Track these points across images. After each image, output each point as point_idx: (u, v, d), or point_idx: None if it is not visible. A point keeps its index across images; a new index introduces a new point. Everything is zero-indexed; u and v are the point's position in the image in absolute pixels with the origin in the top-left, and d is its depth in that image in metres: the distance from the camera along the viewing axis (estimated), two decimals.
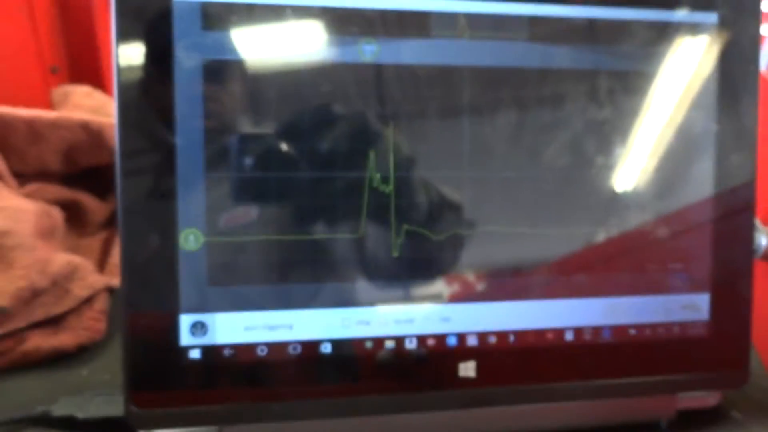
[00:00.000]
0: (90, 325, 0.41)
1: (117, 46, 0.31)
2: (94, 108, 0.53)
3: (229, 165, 0.32)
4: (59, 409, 0.35)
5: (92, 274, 0.43)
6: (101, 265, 0.47)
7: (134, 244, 0.31)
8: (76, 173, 0.49)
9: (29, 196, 0.46)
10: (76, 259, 0.42)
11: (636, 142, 0.36)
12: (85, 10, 0.67)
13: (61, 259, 0.41)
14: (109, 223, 0.51)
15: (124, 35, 0.31)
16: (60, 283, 0.41)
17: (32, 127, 0.45)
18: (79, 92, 0.56)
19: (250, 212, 0.33)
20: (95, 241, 0.49)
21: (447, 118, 0.34)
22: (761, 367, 0.44)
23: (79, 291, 0.41)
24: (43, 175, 0.47)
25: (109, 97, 0.57)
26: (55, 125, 0.46)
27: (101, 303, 0.42)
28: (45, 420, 0.34)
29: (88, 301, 0.42)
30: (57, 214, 0.47)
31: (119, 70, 0.31)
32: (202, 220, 0.32)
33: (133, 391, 0.32)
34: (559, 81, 0.35)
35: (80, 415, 0.34)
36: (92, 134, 0.47)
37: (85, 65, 0.67)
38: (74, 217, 0.49)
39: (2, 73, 0.62)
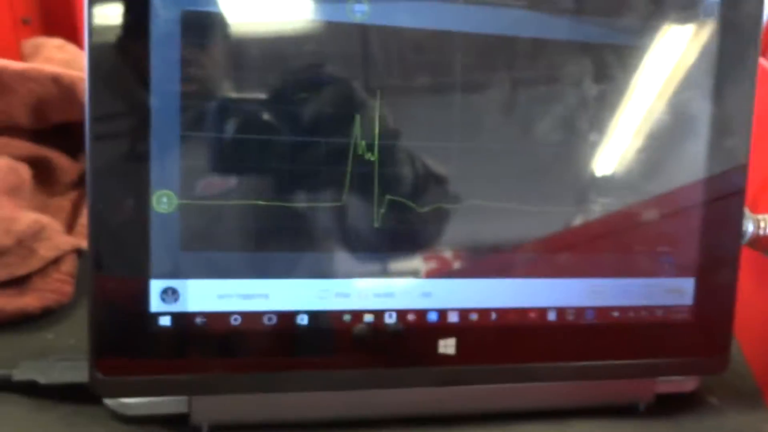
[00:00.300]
0: (57, 288, 0.39)
1: None
2: (67, 61, 0.51)
3: (206, 125, 0.30)
4: (20, 374, 0.33)
5: (60, 234, 0.41)
6: (71, 225, 0.46)
7: (103, 204, 0.30)
8: (46, 129, 0.47)
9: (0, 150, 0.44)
10: (43, 218, 0.41)
11: (628, 120, 0.35)
12: None
13: (27, 217, 0.39)
14: (80, 182, 0.49)
15: None
16: (25, 242, 0.39)
17: (25, 79, 0.42)
18: (50, 45, 0.53)
19: (229, 180, 0.31)
20: (65, 201, 0.47)
21: (437, 87, 0.33)
22: (740, 353, 0.44)
23: (46, 252, 0.39)
24: (10, 130, 0.45)
25: (83, 50, 0.55)
26: (23, 76, 0.43)
27: (69, 265, 0.40)
28: (5, 384, 0.33)
29: (56, 262, 0.40)
30: (24, 171, 0.44)
31: (91, 20, 0.29)
32: (177, 181, 0.30)
33: (98, 357, 0.30)
34: (555, 53, 0.33)
35: (42, 380, 0.33)
36: (64, 88, 0.44)
37: (59, 17, 0.64)
38: (43, 175, 0.47)
39: None
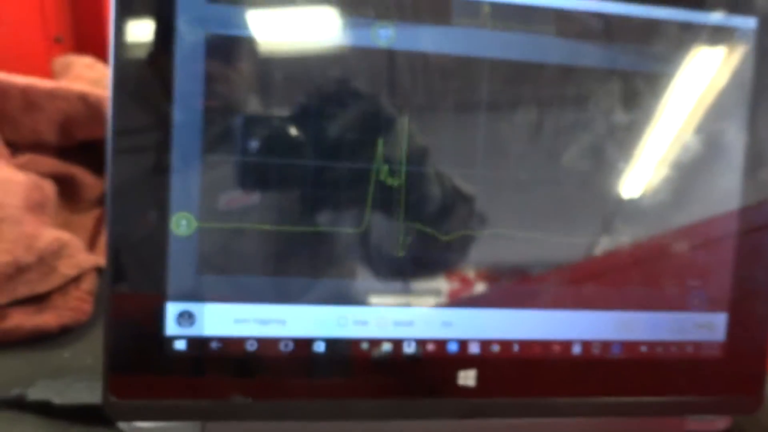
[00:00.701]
0: (76, 306, 0.39)
1: (116, 14, 0.29)
2: (96, 80, 0.52)
3: (228, 148, 0.30)
4: (35, 393, 0.33)
5: (81, 252, 0.41)
6: (92, 242, 0.46)
7: (122, 224, 0.30)
8: (72, 146, 0.47)
9: (22, 167, 0.44)
10: (65, 235, 0.41)
11: (660, 149, 0.34)
12: None
13: (49, 234, 0.40)
14: (104, 199, 0.49)
15: (123, 4, 0.29)
16: (46, 259, 0.39)
17: (27, 96, 0.43)
18: (80, 63, 0.54)
19: (251, 197, 0.31)
20: (88, 218, 0.47)
21: (463, 113, 0.32)
22: None
23: (67, 269, 0.39)
24: (37, 146, 0.46)
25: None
26: (51, 95, 0.44)
27: (89, 283, 0.40)
28: (20, 403, 0.33)
29: (76, 280, 0.40)
30: (49, 188, 0.45)
31: (117, 40, 0.29)
32: (196, 204, 0.30)
33: (112, 379, 0.30)
34: (584, 80, 0.33)
35: (57, 400, 0.32)
36: (90, 106, 0.45)
37: (90, 36, 0.65)
38: (68, 191, 0.48)
39: (5, 42, 0.60)
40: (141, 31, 0.29)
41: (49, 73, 0.60)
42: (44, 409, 0.32)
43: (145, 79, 0.29)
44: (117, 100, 0.29)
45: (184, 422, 0.31)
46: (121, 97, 0.29)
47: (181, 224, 0.30)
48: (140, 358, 0.30)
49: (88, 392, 0.33)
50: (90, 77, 0.53)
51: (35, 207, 0.42)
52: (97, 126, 0.46)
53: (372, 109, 0.31)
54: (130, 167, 0.30)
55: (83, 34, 0.66)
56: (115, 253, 0.30)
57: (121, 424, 0.32)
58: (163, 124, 0.29)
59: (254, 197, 0.31)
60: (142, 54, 0.29)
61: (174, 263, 0.30)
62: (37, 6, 0.63)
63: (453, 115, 0.32)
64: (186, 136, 0.30)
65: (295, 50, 0.31)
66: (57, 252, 0.39)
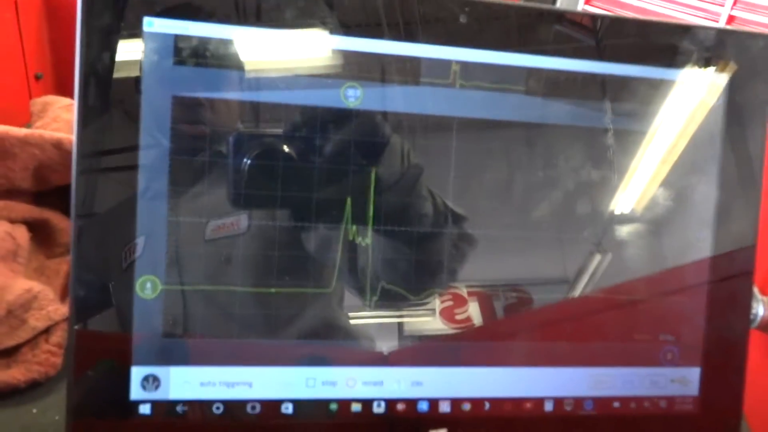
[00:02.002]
0: (44, 360, 0.38)
1: (81, 75, 0.29)
2: (72, 122, 0.51)
3: (194, 212, 0.30)
4: None
5: (52, 303, 0.40)
6: (66, 290, 0.45)
7: (86, 288, 0.29)
8: (47, 191, 0.47)
9: None
10: (36, 286, 0.40)
11: (630, 205, 0.34)
12: (73, 18, 0.65)
13: (19, 286, 0.39)
14: None
15: (89, 64, 0.29)
16: (16, 312, 0.38)
17: (1, 143, 0.43)
18: (58, 105, 0.54)
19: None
20: (63, 263, 0.47)
21: (432, 171, 0.32)
22: None
23: (36, 322, 0.39)
24: (11, 193, 0.45)
25: None
26: (25, 142, 0.43)
27: (59, 335, 0.40)
28: None
29: (46, 332, 0.39)
30: (22, 234, 0.44)
31: (81, 97, 0.29)
32: (162, 267, 0.30)
33: None
34: (554, 136, 0.33)
35: None
36: (65, 152, 0.44)
37: (71, 73, 0.64)
38: (42, 236, 0.47)
39: None
40: (106, 92, 0.29)
41: (26, 110, 0.60)
42: None
43: (110, 142, 0.29)
44: (81, 165, 0.29)
45: None
46: (86, 160, 0.29)
47: (146, 287, 0.30)
48: (104, 422, 0.30)
49: None
50: (67, 119, 0.52)
51: (6, 256, 0.42)
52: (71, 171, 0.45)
53: (340, 169, 0.31)
54: (95, 232, 0.29)
55: (63, 71, 0.66)
56: (78, 317, 0.29)
57: None
58: (128, 192, 0.29)
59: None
60: (106, 116, 0.29)
61: (139, 326, 0.30)
62: (17, 43, 0.63)
63: (422, 173, 0.32)
64: (151, 200, 0.29)
65: (260, 111, 0.30)
66: (27, 304, 0.39)
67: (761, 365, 0.42)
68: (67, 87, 0.64)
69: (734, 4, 2.37)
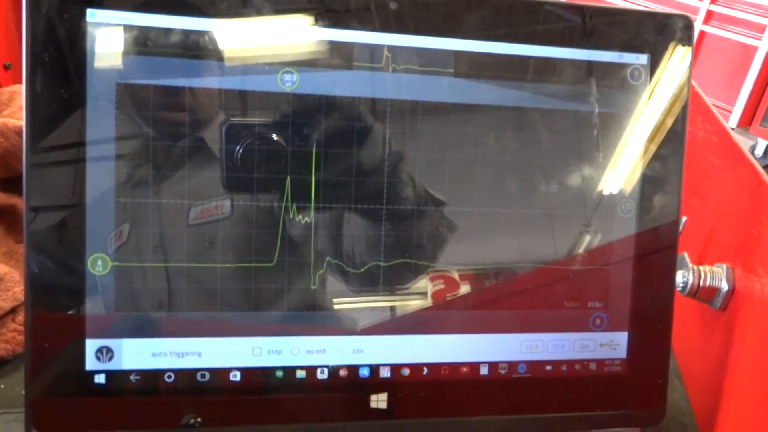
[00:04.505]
0: (11, 338, 0.40)
1: (28, 66, 0.30)
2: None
3: (140, 191, 0.32)
4: None
5: (18, 284, 0.42)
6: None
7: (40, 265, 0.31)
8: (12, 177, 0.49)
9: None
10: (2, 268, 0.42)
11: (558, 181, 0.36)
12: None
13: None
14: None
15: (35, 56, 0.30)
16: None
17: None
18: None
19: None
20: None
21: (367, 151, 0.34)
22: (686, 400, 0.44)
23: (2, 302, 0.41)
24: None
25: None
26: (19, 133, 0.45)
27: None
28: None
29: (12, 312, 0.41)
30: None
31: (29, 87, 0.31)
32: (111, 245, 0.32)
33: (35, 414, 0.31)
34: (483, 117, 0.35)
35: None
36: None
37: None
38: (10, 221, 0.49)
39: None
40: (55, 79, 0.31)
41: None
42: None
43: (58, 127, 0.31)
44: (31, 147, 0.31)
45: None
46: (35, 143, 0.31)
47: (97, 264, 0.31)
48: (62, 392, 0.32)
49: (14, 425, 0.34)
50: None
51: None
52: None
53: (279, 152, 0.33)
54: (47, 212, 0.31)
55: None
56: (34, 293, 0.31)
57: None
58: (76, 170, 0.31)
59: (171, 234, 0.32)
60: (54, 101, 0.31)
61: (91, 301, 0.32)
62: None
63: (358, 153, 0.34)
64: (98, 180, 0.31)
65: (203, 96, 0.32)
66: (5, 283, 0.41)
67: (694, 329, 0.44)
68: None
69: (713, 0, 2.38)
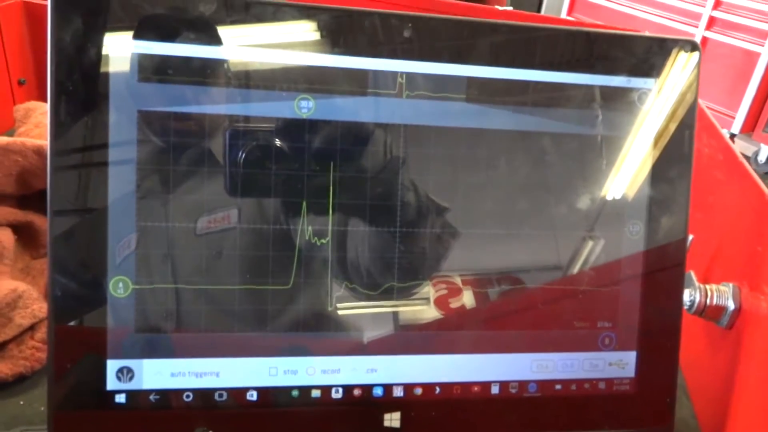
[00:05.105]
0: (30, 355, 0.41)
1: (53, 94, 0.31)
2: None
3: (162, 216, 0.33)
4: None
5: (37, 301, 0.43)
6: None
7: (63, 288, 0.32)
8: (30, 195, 0.49)
9: None
10: (21, 286, 0.43)
11: (568, 203, 0.37)
12: None
13: (5, 286, 0.42)
14: None
15: (60, 84, 0.31)
16: (2, 311, 0.41)
17: (6, 152, 0.45)
18: (40, 110, 0.56)
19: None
20: (46, 264, 0.49)
21: (382, 174, 0.35)
22: (692, 416, 0.45)
23: (22, 319, 0.41)
24: None
25: None
26: (7, 150, 0.46)
27: (43, 332, 0.42)
28: None
29: (31, 329, 0.42)
30: (7, 237, 0.47)
31: (54, 115, 0.31)
32: (132, 268, 0.32)
33: (57, 431, 0.32)
34: (494, 141, 0.35)
35: None
36: (45, 159, 0.47)
37: None
38: (27, 237, 0.50)
39: None
40: (77, 107, 0.32)
41: (10, 116, 0.62)
42: None
43: (81, 155, 0.32)
44: (55, 172, 0.31)
45: None
46: (59, 170, 0.32)
47: (119, 287, 0.32)
48: (83, 411, 0.33)
49: None
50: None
51: None
52: None
53: (297, 176, 0.33)
54: (69, 237, 0.32)
55: (45, 77, 0.68)
56: (57, 316, 0.32)
57: None
58: (99, 197, 0.32)
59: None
60: (78, 130, 0.32)
61: (112, 323, 0.32)
62: (7, 46, 0.65)
63: (375, 177, 0.34)
64: (121, 206, 0.32)
65: (222, 123, 0.33)
66: (12, 303, 0.42)
67: (701, 347, 0.45)
68: None
69: (715, 6, 2.39)
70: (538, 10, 3.33)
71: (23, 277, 0.47)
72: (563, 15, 3.12)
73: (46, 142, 0.47)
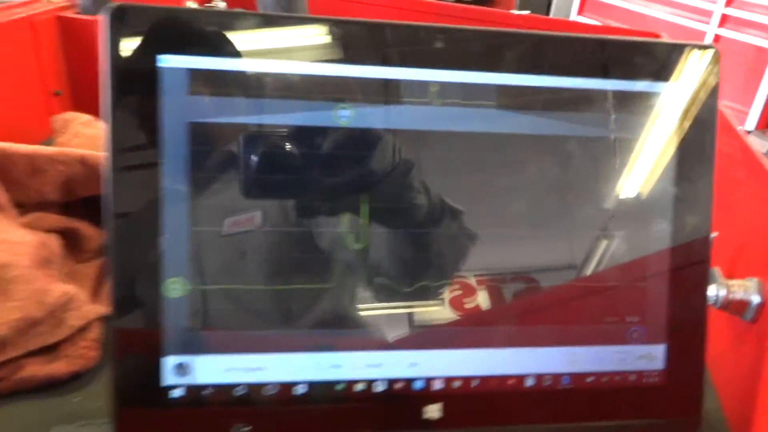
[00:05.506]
0: (83, 354, 0.43)
1: (110, 110, 0.33)
2: (93, 137, 0.56)
3: (214, 220, 0.35)
4: None
5: (86, 303, 0.45)
6: (96, 291, 0.50)
7: (122, 291, 0.34)
8: (74, 202, 0.52)
9: (29, 225, 0.49)
10: (71, 289, 0.45)
11: (596, 204, 0.38)
12: (88, 35, 0.70)
13: (57, 290, 0.44)
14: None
15: (116, 98, 0.33)
16: (56, 313, 0.43)
17: (32, 162, 0.47)
18: (78, 121, 0.58)
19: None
20: (91, 268, 0.52)
21: (417, 178, 0.36)
22: (718, 408, 0.46)
23: (74, 321, 0.44)
24: (42, 205, 0.50)
25: None
26: (53, 159, 0.48)
27: (95, 332, 0.45)
28: None
29: (82, 330, 0.44)
30: (55, 243, 0.49)
31: (113, 130, 0.33)
32: (187, 269, 0.34)
33: (118, 426, 0.34)
34: (525, 145, 0.37)
35: None
36: (89, 167, 0.49)
37: (88, 90, 0.69)
38: (72, 243, 0.52)
39: (4, 95, 0.64)
40: (132, 119, 0.34)
41: (47, 124, 0.64)
42: None
43: (137, 163, 0.34)
44: (115, 183, 0.34)
45: None
46: (117, 180, 0.34)
47: (174, 288, 0.34)
48: (143, 405, 0.35)
49: None
50: (88, 134, 0.57)
51: (43, 263, 0.46)
52: (96, 184, 0.50)
53: (336, 182, 0.35)
54: (127, 240, 0.34)
55: (80, 88, 0.70)
56: (118, 317, 0.34)
57: None
58: (153, 202, 0.34)
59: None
60: (132, 141, 0.34)
61: (169, 322, 0.34)
62: (35, 61, 0.68)
63: (409, 183, 0.36)
64: (172, 210, 0.34)
65: (265, 132, 0.35)
66: (65, 305, 0.44)
67: (725, 340, 0.46)
68: (85, 103, 0.69)
69: (727, 3, 2.39)
70: (547, 11, 3.34)
71: (70, 280, 0.50)
72: (573, 15, 3.12)
73: (88, 152, 0.49)
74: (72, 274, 0.50)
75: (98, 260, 0.53)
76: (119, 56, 0.33)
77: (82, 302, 0.45)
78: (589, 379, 0.39)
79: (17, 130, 0.61)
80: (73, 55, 0.69)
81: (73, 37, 0.69)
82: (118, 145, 0.34)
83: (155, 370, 0.34)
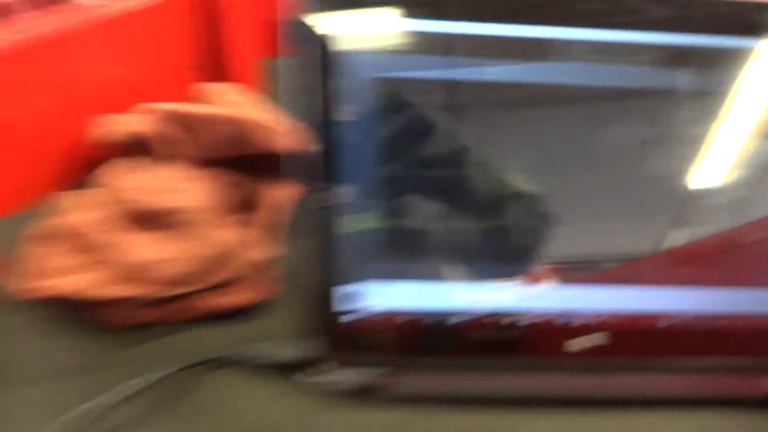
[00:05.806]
0: (260, 287, 0.50)
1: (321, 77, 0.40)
2: (234, 103, 0.62)
3: (397, 160, 0.40)
4: (262, 351, 0.44)
5: (262, 244, 0.52)
6: (266, 235, 0.56)
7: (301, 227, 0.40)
8: (246, 158, 0.58)
9: (208, 178, 0.56)
10: (252, 233, 0.52)
11: (733, 153, 0.41)
12: (221, 13, 0.75)
13: (233, 233, 0.51)
14: (272, 204, 0.60)
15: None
16: (233, 253, 0.50)
17: (213, 122, 0.54)
18: (216, 90, 0.64)
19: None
20: (261, 218, 0.58)
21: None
22: None
23: (251, 256, 0.50)
24: (216, 162, 0.57)
25: (244, 96, 0.65)
26: (230, 121, 0.55)
27: (272, 269, 0.51)
28: (246, 362, 0.44)
29: (259, 268, 0.51)
30: (230, 193, 0.56)
31: (323, 95, 0.41)
32: (371, 206, 0.40)
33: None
34: (656, 99, 0.41)
35: (281, 358, 0.44)
36: (259, 127, 0.55)
37: (218, 66, 0.75)
38: (245, 197, 0.58)
39: (149, 70, 0.71)
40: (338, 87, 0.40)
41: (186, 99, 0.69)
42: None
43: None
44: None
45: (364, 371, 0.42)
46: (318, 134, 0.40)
47: (349, 225, 0.40)
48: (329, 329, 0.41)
49: (295, 351, 0.44)
50: (239, 101, 0.63)
51: (218, 210, 0.53)
52: (267, 143, 0.56)
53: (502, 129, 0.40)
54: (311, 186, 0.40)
55: (218, 63, 0.75)
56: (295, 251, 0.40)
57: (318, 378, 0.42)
58: (338, 147, 0.40)
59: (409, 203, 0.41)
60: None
61: (342, 254, 0.41)
62: (174, 38, 0.73)
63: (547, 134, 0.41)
64: (355, 154, 0.40)
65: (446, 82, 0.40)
66: (244, 245, 0.50)
67: None
68: (223, 76, 0.73)
69: None
70: None
71: (242, 227, 0.56)
72: None
73: (257, 116, 0.55)
74: (245, 224, 0.57)
75: (267, 212, 0.59)
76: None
77: (259, 242, 0.52)
78: (729, 319, 0.41)
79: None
80: (209, 30, 0.74)
81: (206, 13, 0.73)
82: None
83: (334, 298, 0.41)
